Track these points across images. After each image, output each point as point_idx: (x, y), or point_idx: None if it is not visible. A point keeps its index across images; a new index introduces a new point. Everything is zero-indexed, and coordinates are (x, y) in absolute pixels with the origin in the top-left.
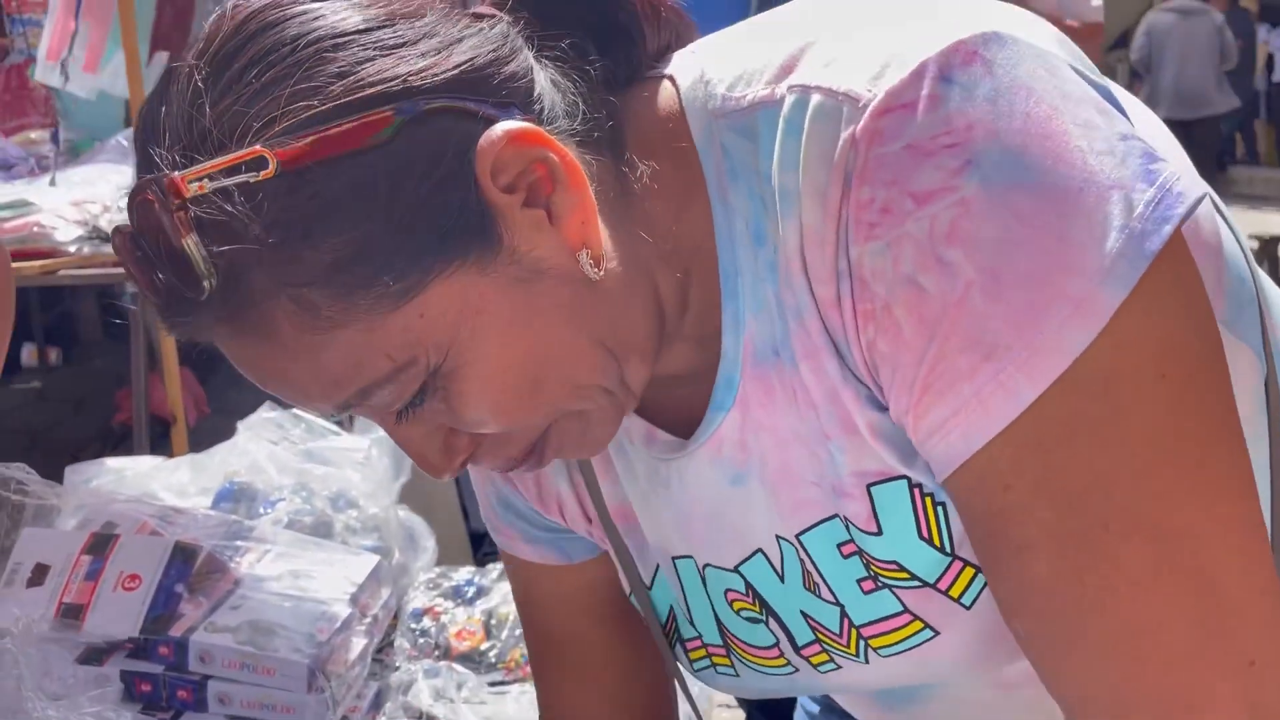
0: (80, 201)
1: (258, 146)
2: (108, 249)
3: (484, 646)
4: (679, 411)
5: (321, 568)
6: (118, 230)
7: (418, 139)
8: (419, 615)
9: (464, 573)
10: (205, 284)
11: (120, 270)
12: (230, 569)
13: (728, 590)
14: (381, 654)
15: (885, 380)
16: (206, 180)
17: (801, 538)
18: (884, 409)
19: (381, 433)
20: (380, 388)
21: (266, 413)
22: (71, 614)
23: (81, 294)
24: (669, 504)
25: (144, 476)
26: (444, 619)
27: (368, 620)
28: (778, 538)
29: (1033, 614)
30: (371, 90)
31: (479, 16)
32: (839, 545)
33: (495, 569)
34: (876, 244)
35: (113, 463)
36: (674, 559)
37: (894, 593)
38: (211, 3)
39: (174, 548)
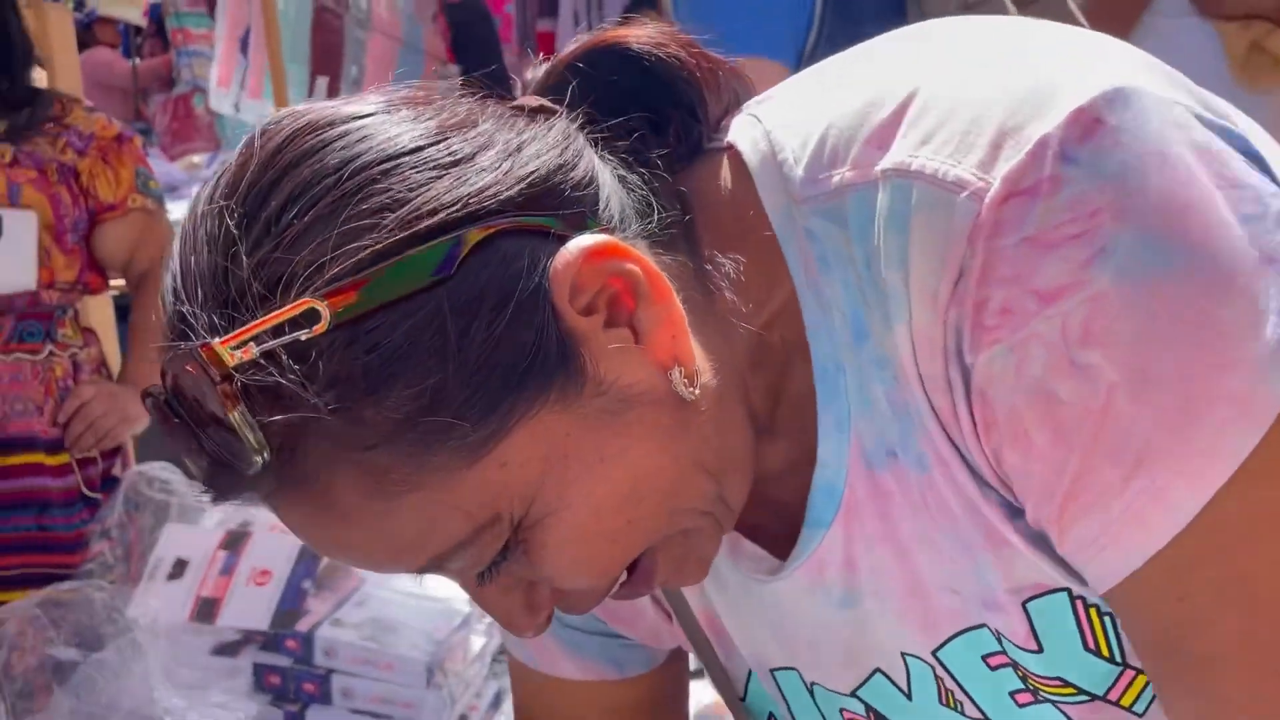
0: None
1: (306, 298)
2: None
3: None
4: (768, 516)
5: None
6: (148, 394)
7: (485, 269)
8: None
9: None
10: (258, 459)
11: None
12: (354, 569)
13: (843, 709)
14: (500, 656)
15: (1020, 492)
16: (251, 344)
17: (938, 654)
18: (1021, 518)
19: None
20: (458, 551)
21: None
22: (207, 607)
23: None
24: (764, 620)
25: None
26: None
27: (487, 620)
28: (904, 655)
29: None
30: (430, 220)
31: (533, 113)
32: (985, 657)
33: None
34: (997, 348)
35: None
36: (772, 671)
37: (1057, 707)
38: (359, 29)
39: (302, 545)
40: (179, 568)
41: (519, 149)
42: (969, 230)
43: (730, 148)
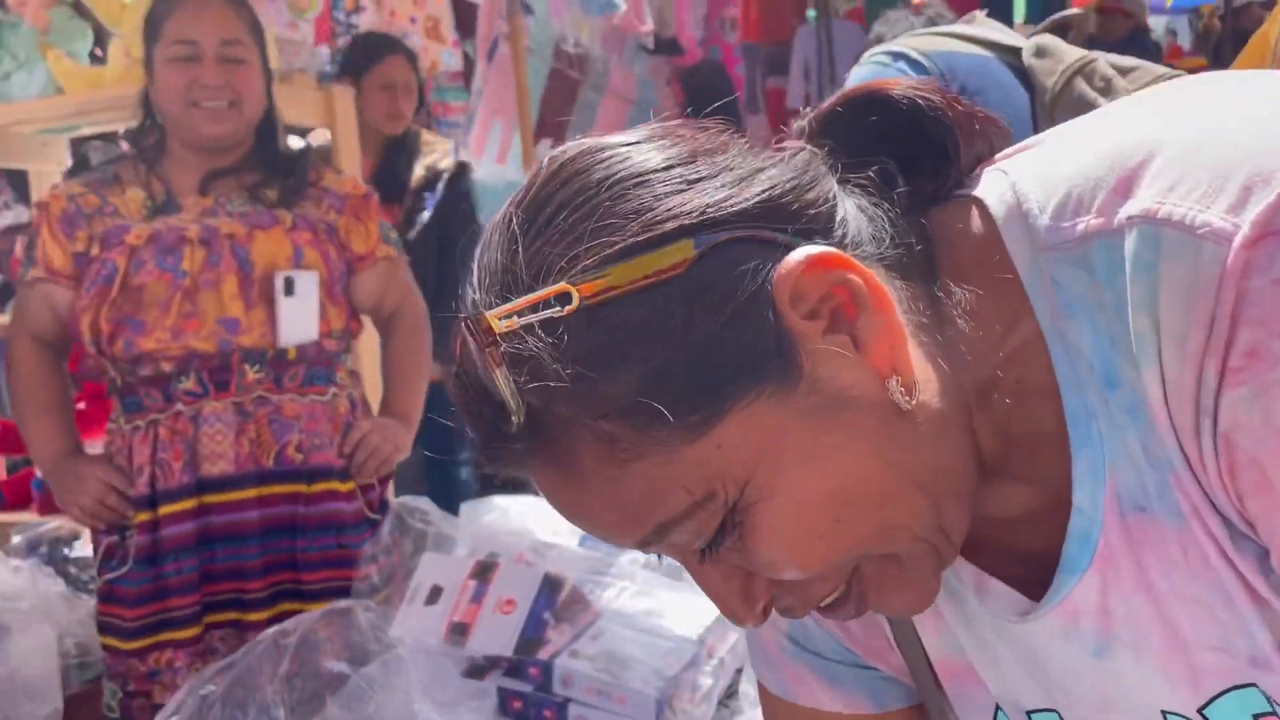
0: None
1: (562, 283)
2: None
3: None
4: (1020, 554)
5: (674, 607)
6: (444, 367)
7: (715, 269)
8: None
9: None
10: (514, 418)
11: None
12: (591, 602)
13: None
14: (728, 701)
15: (1265, 538)
16: (515, 317)
17: (1205, 712)
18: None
19: None
20: (679, 524)
21: None
22: (458, 631)
23: None
24: (1019, 659)
25: (524, 514)
26: None
27: (714, 662)
28: (1164, 713)
29: None
30: (669, 224)
31: (783, 148)
32: (1257, 716)
33: None
34: (1243, 391)
35: (499, 500)
36: (1029, 713)
37: None
38: (593, 93)
39: (544, 578)
40: (434, 594)
41: (759, 170)
42: (1219, 274)
43: (977, 199)
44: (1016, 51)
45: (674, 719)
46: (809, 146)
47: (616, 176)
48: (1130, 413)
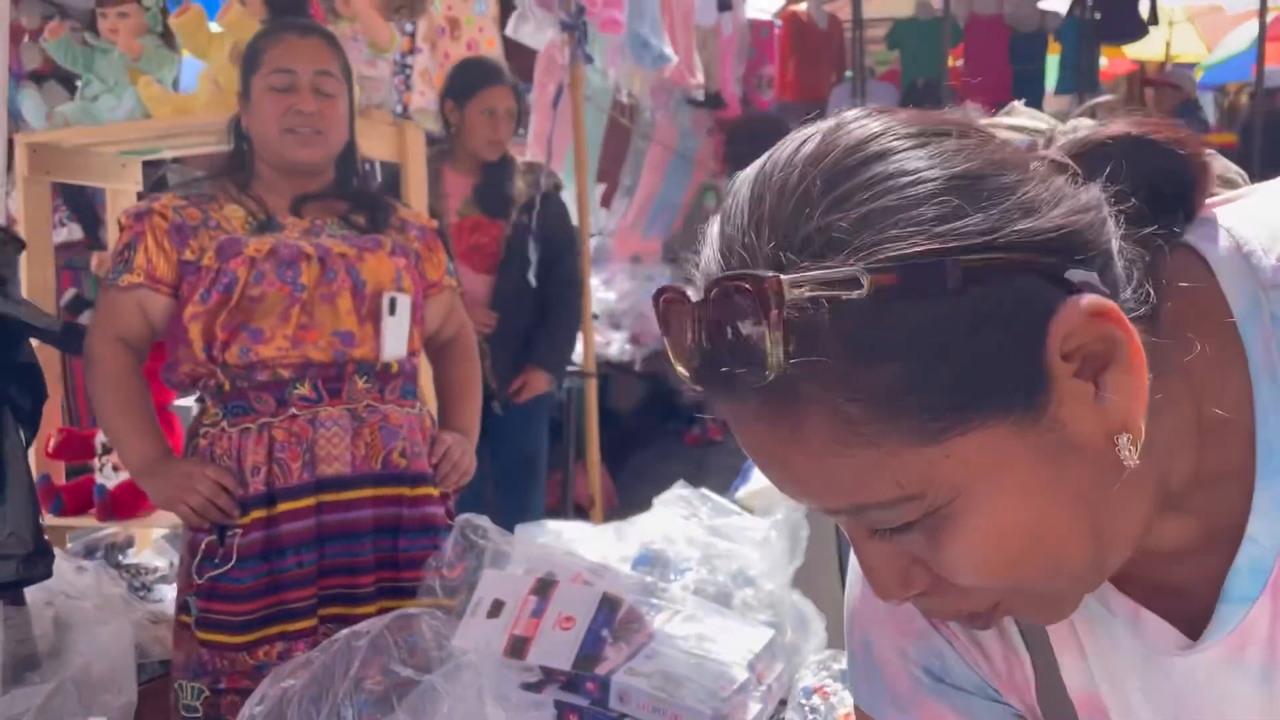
0: None
1: (857, 267)
2: None
3: None
4: (1173, 590)
5: (723, 634)
6: (673, 292)
7: (1001, 292)
8: (809, 693)
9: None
10: (768, 374)
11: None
12: (646, 623)
13: None
14: None
15: None
16: (807, 288)
17: None
18: None
19: (781, 516)
20: (879, 510)
21: (679, 490)
22: (518, 645)
23: None
24: (1163, 695)
25: (576, 538)
26: (833, 699)
27: (763, 688)
28: None
29: None
30: (973, 240)
31: (1063, 168)
32: None
33: None
34: None
35: (552, 525)
36: None
37: None
38: (641, 140)
39: (602, 597)
40: (496, 608)
41: (1058, 202)
42: None
43: (1189, 244)
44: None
45: None
46: (1097, 183)
47: (926, 174)
48: None
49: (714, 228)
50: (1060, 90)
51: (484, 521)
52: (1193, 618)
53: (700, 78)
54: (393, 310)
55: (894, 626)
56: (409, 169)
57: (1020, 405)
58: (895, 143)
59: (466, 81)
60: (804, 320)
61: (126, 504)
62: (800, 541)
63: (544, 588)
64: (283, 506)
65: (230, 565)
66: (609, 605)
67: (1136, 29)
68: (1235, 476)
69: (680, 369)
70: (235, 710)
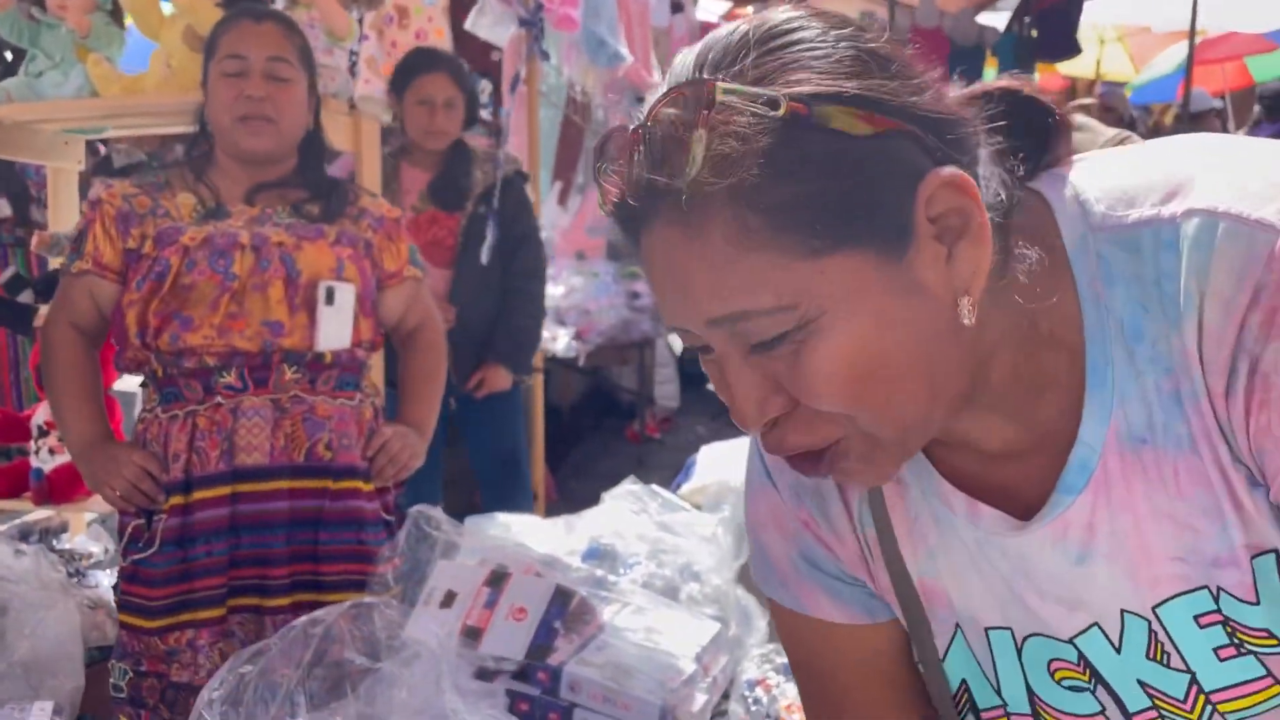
0: None
1: (780, 93)
2: None
3: None
4: (1004, 490)
5: (671, 627)
6: (609, 131)
7: (888, 144)
8: (752, 685)
9: None
10: (689, 170)
11: None
12: (597, 615)
13: (1053, 660)
14: (719, 718)
15: (1272, 465)
16: (735, 97)
17: (1157, 610)
18: (1262, 488)
19: (727, 513)
20: (754, 318)
21: (629, 485)
22: (471, 634)
23: None
24: (992, 579)
25: (527, 530)
26: (775, 691)
27: (709, 679)
28: (1123, 611)
29: None
30: (878, 97)
31: (949, 84)
32: (1197, 617)
33: None
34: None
35: (502, 518)
36: (986, 629)
37: (1259, 659)
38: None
39: (555, 590)
40: (449, 598)
41: (943, 99)
42: (1267, 256)
43: (1037, 190)
44: None
45: None
46: (976, 106)
47: (850, 39)
48: (1152, 361)
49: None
50: None
51: (436, 512)
52: (1022, 512)
53: (658, 77)
54: (330, 299)
55: (776, 527)
56: (363, 159)
57: (888, 242)
58: (821, 21)
59: (404, 70)
60: (726, 127)
61: (62, 488)
62: (745, 538)
63: (497, 579)
64: (198, 494)
65: (153, 550)
66: (561, 597)
67: (1070, 47)
68: (1063, 388)
69: (608, 205)
70: (154, 693)
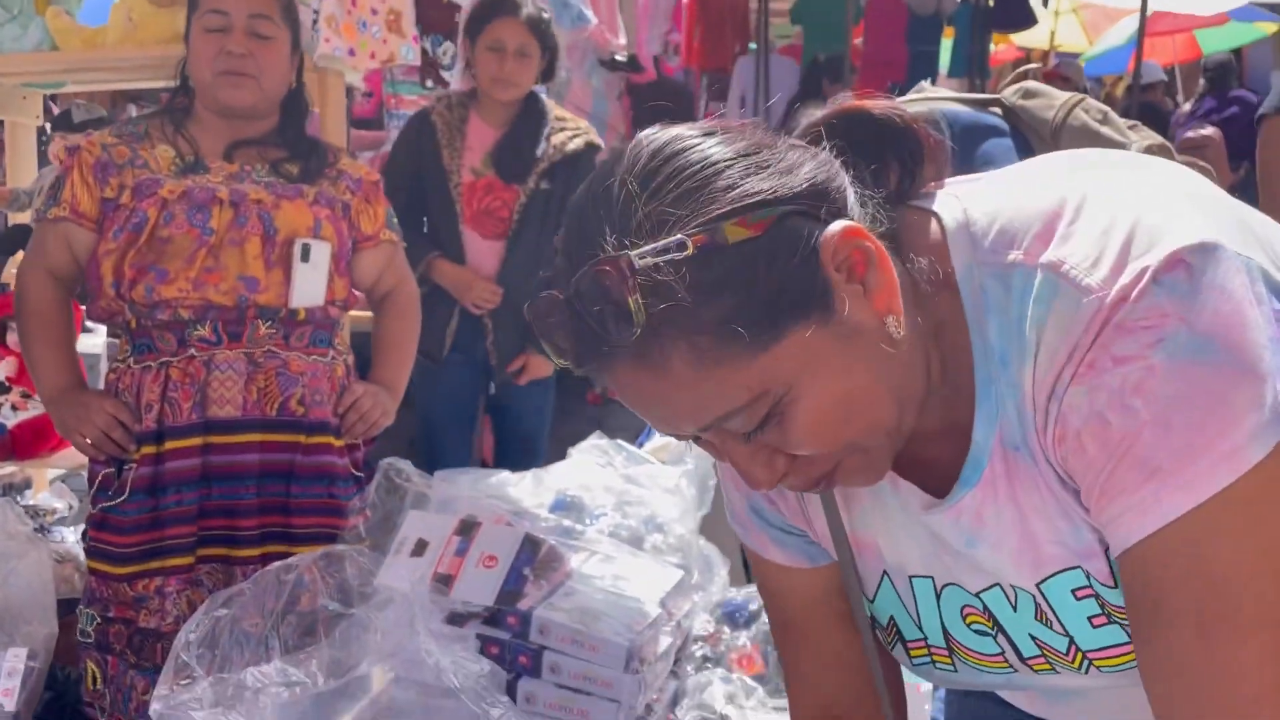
0: None
1: (680, 235)
2: None
3: (765, 674)
4: (926, 465)
5: (637, 574)
6: (540, 301)
7: (783, 233)
8: (705, 640)
9: (742, 594)
10: (636, 330)
11: None
12: (565, 563)
13: (965, 606)
14: (676, 664)
15: (1080, 486)
16: (649, 258)
17: (1041, 586)
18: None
19: (690, 466)
20: (736, 414)
21: (595, 440)
22: (443, 582)
23: None
24: (916, 539)
25: (495, 484)
26: (723, 645)
27: (672, 623)
28: (1013, 586)
29: (1167, 679)
30: (753, 199)
31: (805, 146)
32: (1074, 590)
33: None
34: (1079, 388)
35: (471, 472)
36: (910, 577)
37: (1124, 629)
38: (557, 100)
39: (524, 538)
40: (420, 547)
41: (802, 164)
42: (1089, 319)
43: (934, 213)
44: (981, 103)
45: (641, 669)
46: (825, 147)
47: (709, 160)
48: (1011, 386)
49: (560, 246)
50: (952, 74)
51: (405, 465)
52: (937, 486)
53: (624, 39)
54: (305, 256)
55: (733, 481)
56: (328, 117)
57: (816, 311)
58: (687, 140)
59: (477, 14)
60: (652, 282)
61: (26, 443)
62: (708, 490)
63: (467, 528)
64: (170, 444)
65: (123, 498)
66: (530, 545)
67: (1026, 18)
68: (965, 389)
69: (562, 360)
70: (121, 639)
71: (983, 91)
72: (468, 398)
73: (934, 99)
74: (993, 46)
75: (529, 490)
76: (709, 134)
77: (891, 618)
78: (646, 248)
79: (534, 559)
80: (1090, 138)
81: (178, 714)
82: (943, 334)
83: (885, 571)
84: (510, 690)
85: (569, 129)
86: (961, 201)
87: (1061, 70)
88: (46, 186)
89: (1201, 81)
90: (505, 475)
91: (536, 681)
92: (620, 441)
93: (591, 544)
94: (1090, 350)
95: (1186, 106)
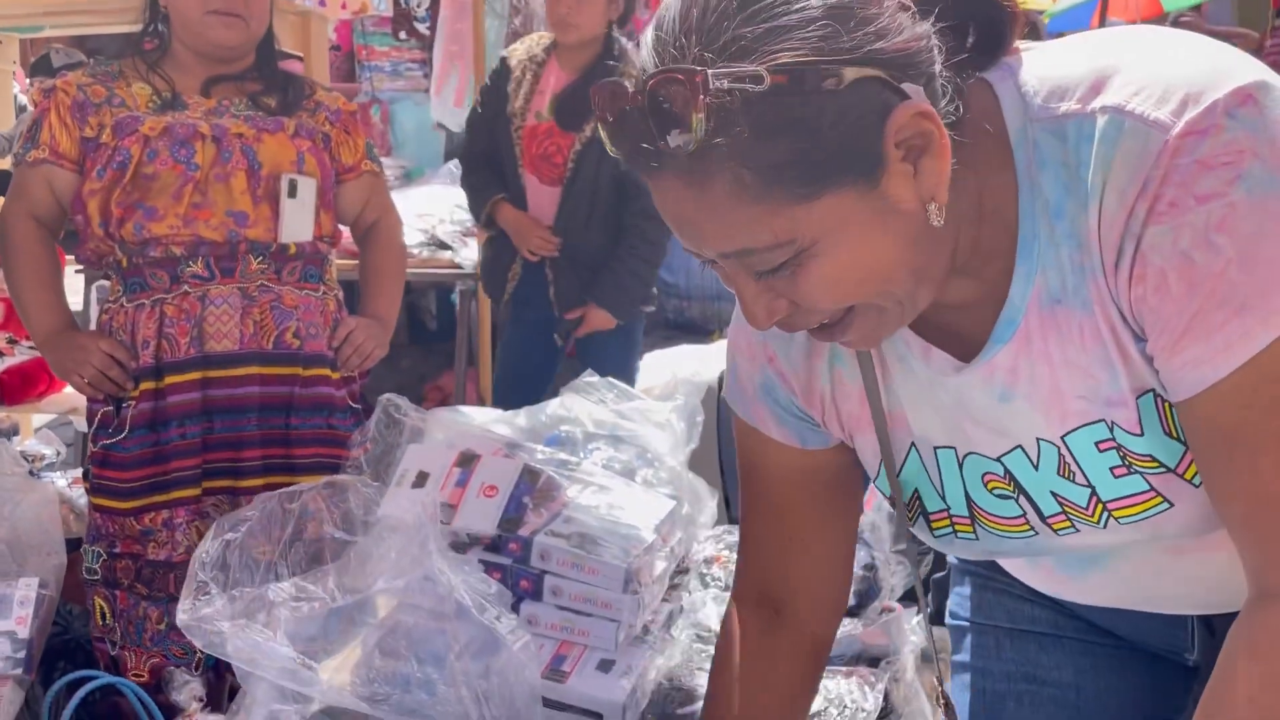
0: (423, 214)
1: (760, 68)
2: (445, 254)
3: None
4: (954, 334)
5: (631, 502)
6: (607, 85)
7: (858, 95)
8: (709, 562)
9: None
10: (691, 140)
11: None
12: (563, 492)
13: (985, 474)
14: (673, 585)
15: (1149, 325)
16: (724, 81)
17: (1065, 438)
18: (1143, 341)
19: (681, 401)
20: (758, 253)
21: (587, 378)
22: (445, 511)
23: (419, 290)
24: (940, 408)
25: (488, 421)
26: (730, 567)
27: (666, 549)
28: (1038, 439)
29: (1251, 498)
30: (844, 54)
31: (906, 7)
32: (1097, 443)
33: None
34: (1161, 227)
35: (465, 409)
36: (935, 448)
37: (1144, 477)
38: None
39: (524, 468)
40: (421, 478)
41: (902, 30)
42: (1159, 151)
43: (986, 79)
44: None
45: (638, 590)
46: (929, 21)
47: (811, 4)
48: (1067, 235)
49: (649, 35)
50: None
51: (403, 400)
52: (962, 355)
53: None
54: (292, 193)
55: (747, 354)
56: (312, 59)
57: (863, 177)
58: None
59: None
60: (720, 104)
61: (14, 389)
62: (697, 426)
63: (467, 460)
64: (169, 380)
65: (123, 435)
66: (529, 475)
67: None
68: (1002, 255)
69: (616, 149)
70: (129, 573)
71: None
72: (539, 348)
73: None
74: None
75: (523, 426)
76: None
77: (915, 491)
78: (724, 70)
79: (533, 488)
80: None
81: (202, 625)
82: (984, 206)
83: (913, 444)
84: (513, 613)
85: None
86: (1012, 67)
87: (1031, 16)
88: (24, 130)
89: None
90: (496, 412)
91: (538, 604)
92: (611, 379)
93: (587, 475)
94: (1167, 185)
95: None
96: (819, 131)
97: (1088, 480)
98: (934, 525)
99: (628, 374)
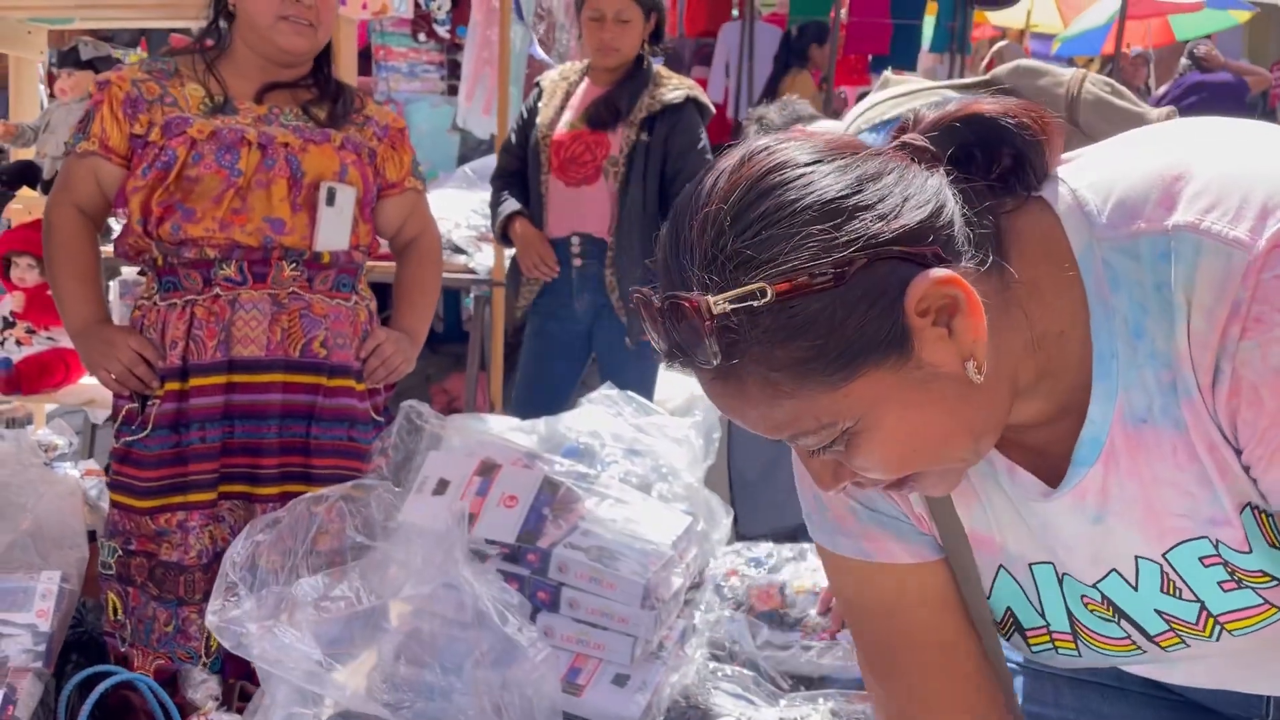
0: (437, 219)
1: (762, 283)
2: (460, 258)
3: (782, 610)
4: (1034, 450)
5: (649, 517)
6: (645, 296)
7: (869, 280)
8: (726, 577)
9: (762, 548)
10: (713, 361)
11: (467, 276)
12: (581, 504)
13: (1083, 596)
14: (687, 604)
15: (1244, 438)
16: (725, 305)
17: (1167, 555)
18: (1239, 453)
19: (699, 417)
20: (807, 436)
21: (606, 390)
22: (464, 520)
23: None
24: (1031, 529)
25: (506, 430)
26: (746, 581)
27: (683, 565)
28: (1137, 557)
29: None
30: (844, 253)
31: (917, 158)
32: (1201, 558)
33: (787, 548)
34: (1249, 343)
35: (484, 417)
36: (1031, 564)
37: (1256, 592)
38: (557, 59)
39: (544, 479)
40: (441, 486)
41: (908, 199)
42: (1244, 271)
43: (1041, 197)
44: (973, 88)
45: (655, 606)
46: (941, 166)
47: (805, 202)
48: (1151, 355)
49: (661, 241)
50: (934, 49)
51: (424, 407)
52: (1051, 474)
53: None
54: (331, 201)
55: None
56: (341, 61)
57: (893, 354)
58: (788, 174)
59: None
60: (729, 324)
61: (31, 378)
62: (713, 442)
63: (487, 469)
64: (194, 382)
65: (146, 433)
66: (549, 486)
67: None
68: (1076, 369)
69: (656, 346)
70: (143, 571)
71: (961, 68)
72: (562, 359)
73: (921, 90)
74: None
75: (541, 437)
76: (820, 160)
77: (1009, 609)
78: (726, 294)
79: (553, 499)
80: (1107, 109)
81: (231, 627)
82: (1046, 331)
83: (1001, 565)
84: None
85: (669, 85)
86: (1068, 181)
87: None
88: (75, 121)
89: (1184, 62)
90: (515, 421)
91: (555, 616)
92: (630, 393)
93: (605, 488)
94: (1254, 303)
95: (1161, 90)
96: (835, 325)
97: (1195, 595)
98: (1031, 641)
99: (646, 388)
